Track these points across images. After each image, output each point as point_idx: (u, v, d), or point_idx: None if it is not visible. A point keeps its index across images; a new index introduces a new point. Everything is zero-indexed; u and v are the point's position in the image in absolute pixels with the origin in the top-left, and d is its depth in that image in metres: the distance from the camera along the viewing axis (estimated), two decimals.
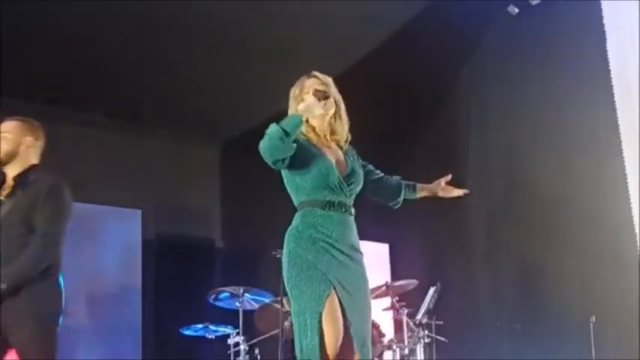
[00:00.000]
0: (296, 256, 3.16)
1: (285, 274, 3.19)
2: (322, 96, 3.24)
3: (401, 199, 3.55)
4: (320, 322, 3.06)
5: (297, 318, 3.12)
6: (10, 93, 6.33)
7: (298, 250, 3.16)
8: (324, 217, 3.19)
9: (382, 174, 3.55)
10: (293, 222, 3.26)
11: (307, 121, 3.28)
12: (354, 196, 3.32)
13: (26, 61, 6.33)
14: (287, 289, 3.19)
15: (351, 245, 3.23)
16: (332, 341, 3.05)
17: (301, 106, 3.20)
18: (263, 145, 3.09)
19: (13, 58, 6.15)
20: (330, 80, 3.37)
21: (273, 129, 3.08)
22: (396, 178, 3.58)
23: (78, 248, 7.24)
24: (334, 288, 3.12)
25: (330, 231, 3.18)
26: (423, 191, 3.59)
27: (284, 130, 3.06)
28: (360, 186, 3.35)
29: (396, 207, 3.58)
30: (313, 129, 3.33)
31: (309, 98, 3.22)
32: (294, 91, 3.37)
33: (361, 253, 3.30)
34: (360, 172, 3.37)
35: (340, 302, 3.12)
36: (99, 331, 7.08)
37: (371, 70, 7.08)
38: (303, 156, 3.21)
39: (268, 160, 3.11)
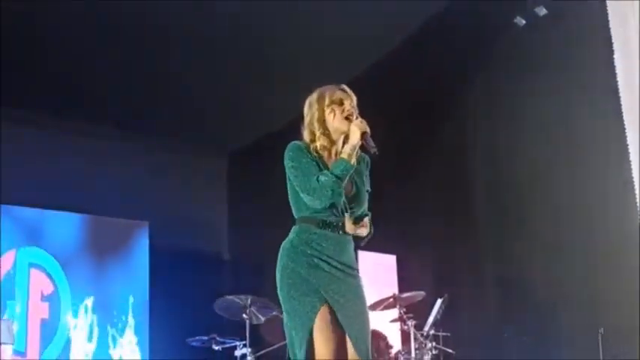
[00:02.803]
0: (289, 271, 3.15)
1: (278, 288, 3.19)
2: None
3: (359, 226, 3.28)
4: (311, 335, 3.04)
5: (289, 332, 3.13)
6: (21, 104, 6.37)
7: (291, 265, 3.15)
8: (319, 236, 3.17)
9: None
10: (289, 235, 3.24)
11: (323, 133, 3.23)
12: (353, 217, 3.25)
13: (37, 72, 6.36)
14: (280, 303, 3.19)
15: (345, 264, 3.19)
16: (326, 355, 3.02)
17: (348, 149, 3.15)
18: (324, 197, 3.10)
19: (24, 70, 6.19)
20: (354, 97, 3.30)
21: (327, 178, 3.09)
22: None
23: (85, 259, 7.27)
24: (327, 301, 3.10)
25: (325, 248, 3.16)
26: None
27: (338, 177, 3.08)
28: (362, 208, 3.29)
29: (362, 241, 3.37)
30: (326, 148, 3.26)
31: (355, 138, 3.13)
32: (323, 96, 3.25)
33: (358, 272, 3.26)
34: (365, 193, 3.31)
35: (335, 315, 3.10)
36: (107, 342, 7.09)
37: (378, 81, 7.09)
38: (313, 175, 3.16)
39: (325, 204, 3.12)
